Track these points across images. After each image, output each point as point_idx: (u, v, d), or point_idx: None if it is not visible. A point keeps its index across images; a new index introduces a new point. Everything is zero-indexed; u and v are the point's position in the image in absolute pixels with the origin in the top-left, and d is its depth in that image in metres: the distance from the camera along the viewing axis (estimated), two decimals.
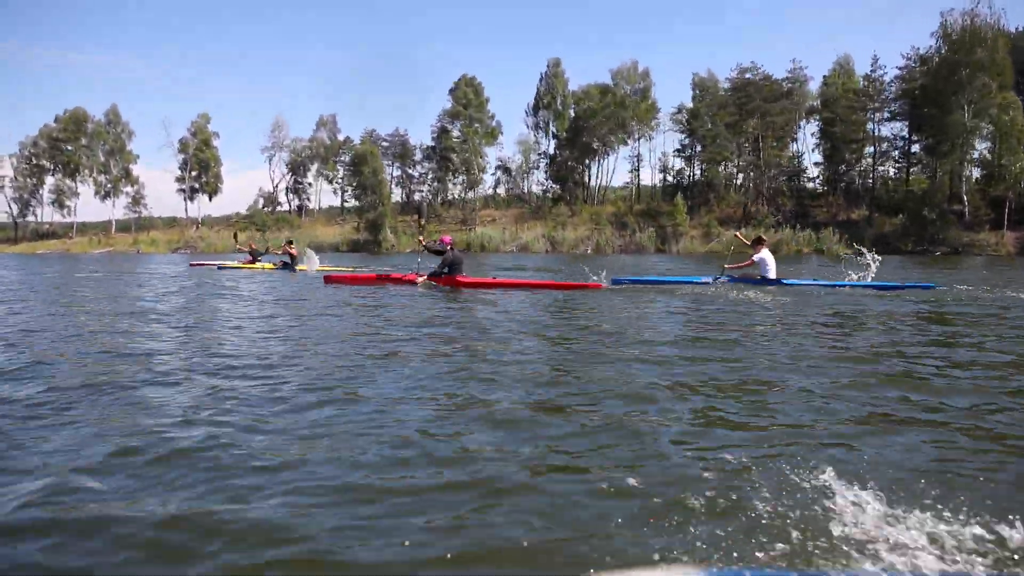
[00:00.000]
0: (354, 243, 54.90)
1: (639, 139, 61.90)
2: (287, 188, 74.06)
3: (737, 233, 13.58)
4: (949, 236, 41.54)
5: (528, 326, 7.12)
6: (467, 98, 63.30)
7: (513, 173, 64.84)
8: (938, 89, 44.45)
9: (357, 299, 10.31)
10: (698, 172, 55.96)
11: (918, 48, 49.91)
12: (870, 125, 52.58)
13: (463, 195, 65.51)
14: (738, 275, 12.08)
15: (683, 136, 57.25)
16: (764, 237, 12.75)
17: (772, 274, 11.74)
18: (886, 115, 51.18)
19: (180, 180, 72.75)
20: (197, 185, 72.38)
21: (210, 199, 74.41)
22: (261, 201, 71.97)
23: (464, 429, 3.33)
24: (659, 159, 64.03)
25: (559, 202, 59.79)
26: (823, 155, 53.86)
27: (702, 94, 58.53)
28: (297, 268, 19.47)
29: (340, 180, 73.77)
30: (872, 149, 52.15)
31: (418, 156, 70.77)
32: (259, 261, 21.40)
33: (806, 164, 54.74)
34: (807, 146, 54.48)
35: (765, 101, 52.78)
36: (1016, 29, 46.93)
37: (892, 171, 53.09)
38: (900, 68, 51.32)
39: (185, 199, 72.31)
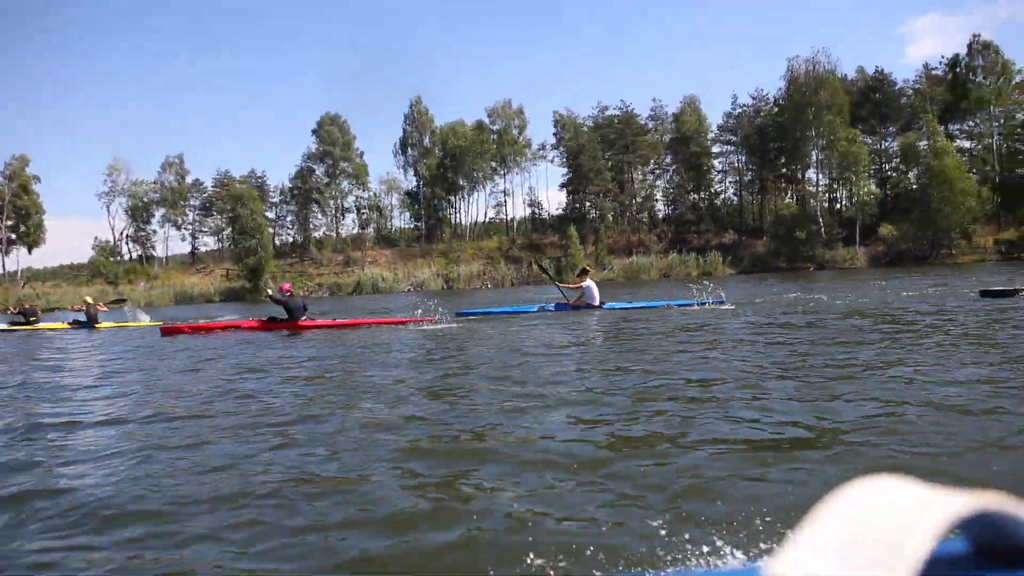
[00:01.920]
0: (230, 292, 50.68)
1: (505, 175, 63.45)
2: (127, 236, 66.98)
3: (558, 283, 14.95)
4: (815, 254, 46.30)
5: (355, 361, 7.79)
6: (332, 137, 61.38)
7: (383, 212, 63.50)
8: (789, 126, 49.93)
9: (209, 350, 10.14)
10: (583, 205, 57.77)
11: (762, 89, 55.91)
12: (729, 158, 57.62)
13: (332, 235, 63.16)
14: (572, 301, 13.54)
15: (565, 171, 59.22)
16: (588, 268, 14.39)
17: (596, 301, 13.26)
18: (741, 148, 55.99)
19: None
20: (14, 236, 63.54)
21: (30, 251, 65.55)
22: (96, 252, 64.18)
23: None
24: (527, 194, 65.58)
25: (423, 239, 59.51)
26: (689, 186, 57.93)
27: (563, 130, 61.47)
28: (96, 326, 17.75)
29: (190, 225, 68.14)
30: (736, 179, 56.96)
31: (275, 199, 67.31)
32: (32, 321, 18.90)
33: (675, 194, 58.17)
34: (672, 180, 57.77)
35: (635, 136, 56.24)
36: (849, 75, 53.63)
37: (750, 197, 58.18)
38: (749, 106, 56.79)
39: (4, 252, 63.02)
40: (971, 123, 51.08)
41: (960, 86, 50.22)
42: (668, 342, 7.96)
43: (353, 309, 21.03)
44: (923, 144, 45.72)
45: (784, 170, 55.15)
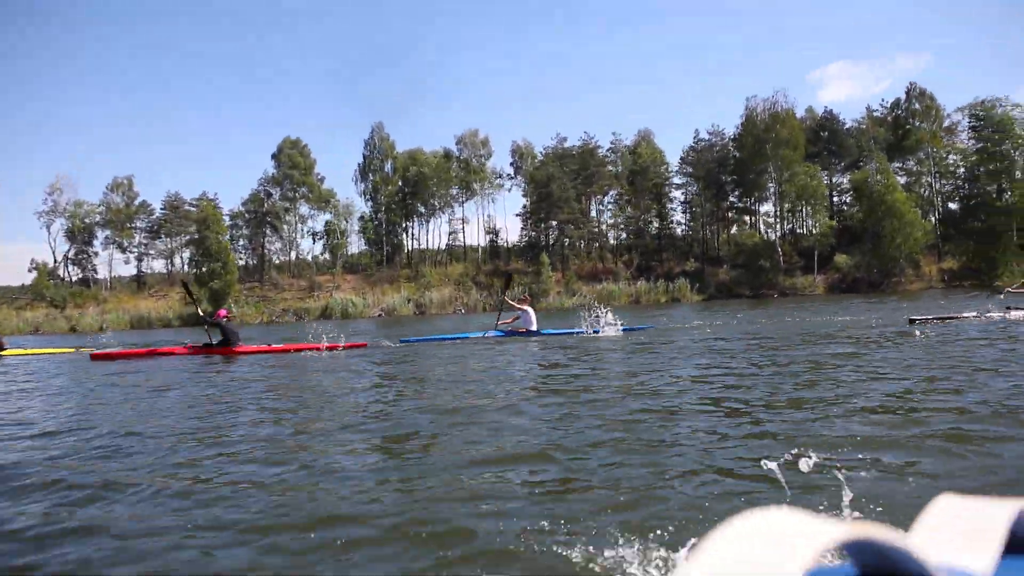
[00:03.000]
0: (191, 317, 48.74)
1: (464, 203, 64.03)
2: (66, 258, 63.67)
3: (505, 298, 15.29)
4: (777, 281, 48.38)
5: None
6: (293, 161, 60.54)
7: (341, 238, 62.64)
8: (747, 160, 52.43)
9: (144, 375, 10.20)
10: (548, 233, 58.55)
11: (718, 125, 58.54)
12: (687, 190, 59.73)
13: (290, 260, 61.97)
14: (508, 329, 14.24)
15: (524, 200, 60.07)
16: (527, 297, 15.29)
17: (534, 326, 13.96)
18: (700, 181, 58.15)
19: None
20: None
21: None
22: (35, 274, 60.65)
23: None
24: (486, 221, 65.99)
25: (383, 264, 59.17)
26: (649, 216, 59.66)
27: (520, 160, 62.69)
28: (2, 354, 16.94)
29: (135, 248, 65.33)
30: (694, 211, 58.99)
31: (227, 222, 65.47)
32: None
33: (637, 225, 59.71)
34: (632, 210, 59.38)
35: (596, 167, 57.75)
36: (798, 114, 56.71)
37: (707, 228, 60.34)
38: (706, 141, 59.19)
39: None
40: (910, 161, 54.65)
41: (900, 128, 54.00)
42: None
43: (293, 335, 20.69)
44: (876, 179, 48.59)
45: (740, 202, 57.61)
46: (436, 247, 65.33)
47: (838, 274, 49.14)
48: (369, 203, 62.34)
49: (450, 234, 66.15)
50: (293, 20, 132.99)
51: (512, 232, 75.81)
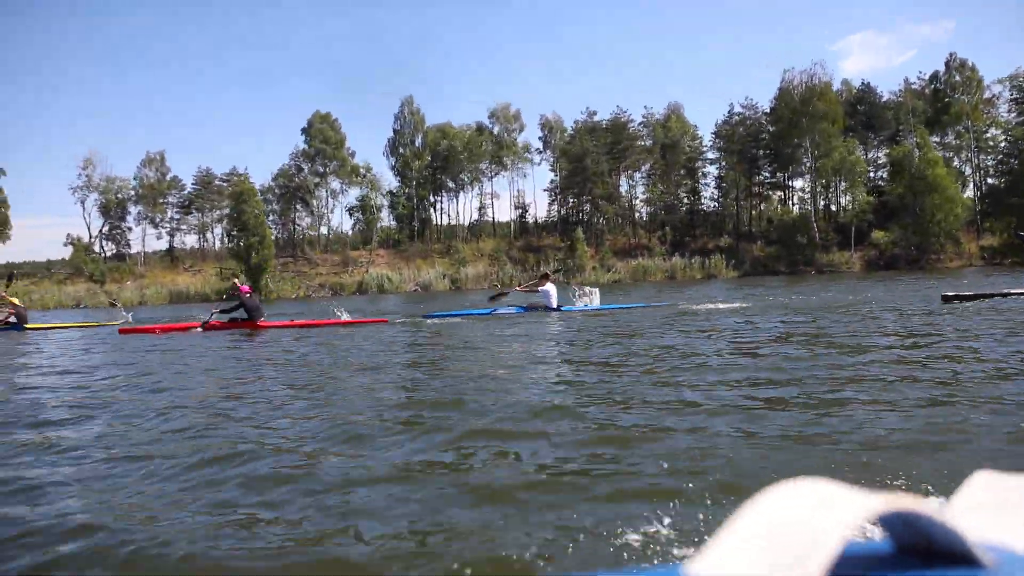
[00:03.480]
0: (226, 291, 49.21)
1: (493, 178, 63.92)
2: (101, 234, 64.31)
3: (520, 288, 15.67)
4: (814, 258, 48.07)
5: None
6: (324, 135, 60.50)
7: (376, 212, 62.69)
8: (783, 134, 51.83)
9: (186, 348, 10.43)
10: (582, 208, 58.37)
11: (751, 99, 57.77)
12: (721, 165, 59.19)
13: (322, 235, 62.30)
14: (524, 290, 14.92)
15: (557, 174, 59.83)
16: (549, 273, 15.45)
17: (554, 303, 14.24)
18: (734, 156, 57.55)
19: None
20: None
21: None
22: (71, 249, 61.30)
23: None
24: (516, 196, 65.77)
25: (415, 239, 59.33)
26: (683, 191, 59.30)
27: (550, 134, 62.34)
28: (26, 327, 16.84)
29: (167, 223, 65.81)
30: (725, 186, 58.49)
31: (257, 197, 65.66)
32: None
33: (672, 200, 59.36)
34: (667, 185, 58.89)
35: (629, 141, 57.33)
36: (850, 84, 55.79)
37: (740, 203, 59.89)
38: (739, 114, 58.43)
39: None
40: (949, 136, 53.79)
41: (940, 101, 53.05)
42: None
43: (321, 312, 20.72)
44: (916, 154, 47.90)
45: (773, 177, 57.11)
46: (465, 222, 65.40)
47: (875, 251, 48.72)
48: (398, 177, 62.39)
49: (479, 209, 66.24)
50: None
51: (539, 207, 75.27)
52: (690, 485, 2.74)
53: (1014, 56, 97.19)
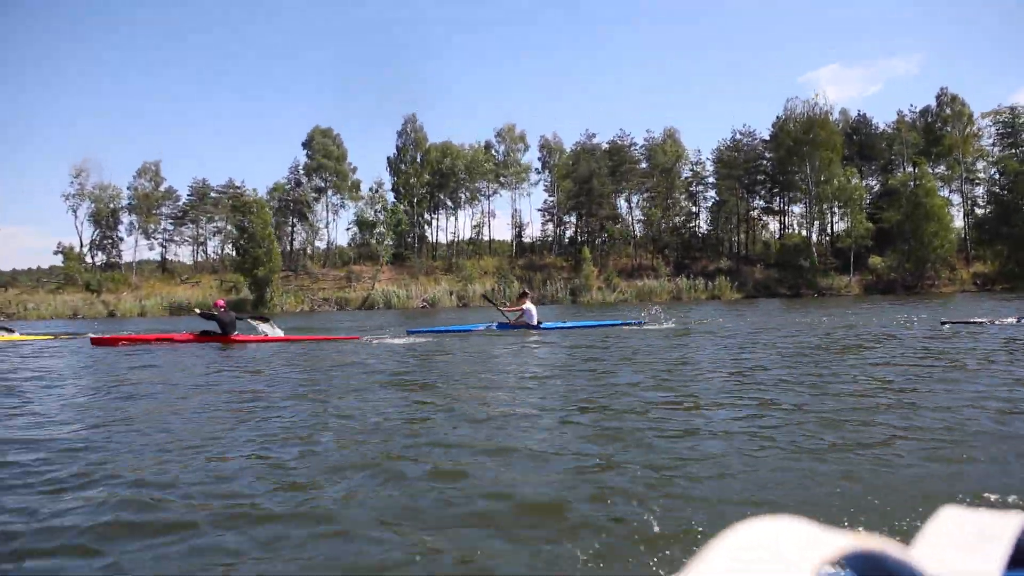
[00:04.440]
0: (230, 304, 48.56)
1: (490, 197, 64.38)
2: (92, 243, 63.06)
3: (501, 307, 15.86)
4: (815, 281, 49.22)
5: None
6: (325, 150, 60.49)
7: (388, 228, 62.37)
8: (783, 161, 53.31)
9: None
10: (588, 228, 58.96)
11: (748, 126, 59.32)
12: (714, 189, 60.40)
13: (321, 249, 61.98)
14: (512, 321, 14.83)
15: (552, 195, 60.47)
16: (528, 292, 15.99)
17: (535, 321, 14.68)
18: (736, 182, 58.81)
19: None
20: None
21: None
22: (61, 257, 59.90)
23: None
24: (514, 215, 66.24)
25: (410, 256, 59.37)
26: (681, 213, 60.31)
27: (549, 155, 63.13)
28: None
29: (160, 234, 64.85)
30: (725, 210, 59.65)
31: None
32: None
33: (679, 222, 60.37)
34: (666, 207, 59.89)
35: (631, 164, 58.32)
36: (852, 114, 57.47)
37: (736, 227, 61.14)
38: (737, 141, 59.83)
39: None
40: (940, 167, 55.71)
41: (932, 133, 55.05)
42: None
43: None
44: (915, 183, 49.51)
45: (771, 203, 58.57)
46: (460, 240, 65.50)
47: (872, 275, 50.07)
48: (397, 194, 62.38)
49: (474, 227, 66.50)
50: (319, 11, 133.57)
51: (535, 227, 75.61)
52: (662, 518, 2.74)
53: (982, 88, 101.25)
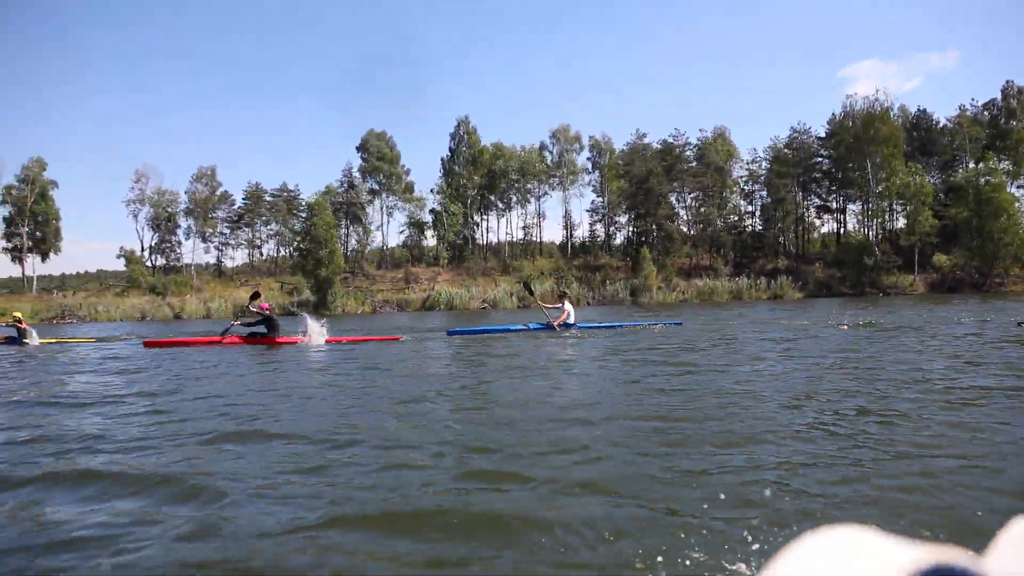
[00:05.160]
0: (288, 305, 49.26)
1: (541, 198, 64.52)
2: (152, 247, 64.49)
3: (541, 304, 16.06)
4: (878, 280, 48.49)
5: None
6: (380, 152, 61.06)
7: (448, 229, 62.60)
8: (843, 158, 52.63)
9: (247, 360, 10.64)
10: (647, 228, 58.70)
11: (804, 123, 58.63)
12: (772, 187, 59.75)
13: (377, 250, 62.57)
14: (551, 321, 14.92)
15: (597, 196, 60.41)
16: (567, 292, 16.27)
17: (573, 320, 14.98)
18: (792, 180, 58.17)
19: (8, 237, 60.19)
20: (31, 243, 60.42)
21: (43, 259, 62.34)
22: (127, 262, 61.25)
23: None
24: (564, 217, 66.23)
25: (463, 256, 59.64)
26: (737, 212, 59.85)
27: (599, 155, 63.00)
28: (25, 341, 17.14)
29: (217, 237, 66.06)
30: (782, 208, 59.05)
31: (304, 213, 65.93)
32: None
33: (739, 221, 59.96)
34: (722, 206, 59.45)
35: (686, 163, 57.99)
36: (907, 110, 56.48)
37: (798, 227, 60.46)
38: (793, 138, 59.13)
39: (21, 260, 59.78)
40: (1006, 161, 54.50)
41: (997, 127, 53.91)
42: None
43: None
44: (983, 178, 48.54)
45: (829, 200, 57.87)
46: (514, 240, 65.75)
47: (937, 274, 49.22)
48: (444, 196, 62.75)
49: (523, 228, 66.70)
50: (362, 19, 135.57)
51: (583, 227, 75.54)
52: (728, 525, 2.63)
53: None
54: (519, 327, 15.09)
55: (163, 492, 3.34)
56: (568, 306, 14.95)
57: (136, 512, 3.06)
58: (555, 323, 14.69)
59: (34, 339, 16.85)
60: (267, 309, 14.01)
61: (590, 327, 15.13)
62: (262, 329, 13.81)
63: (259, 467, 3.74)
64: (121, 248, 60.15)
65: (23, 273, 60.41)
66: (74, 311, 49.12)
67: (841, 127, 53.36)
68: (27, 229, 59.88)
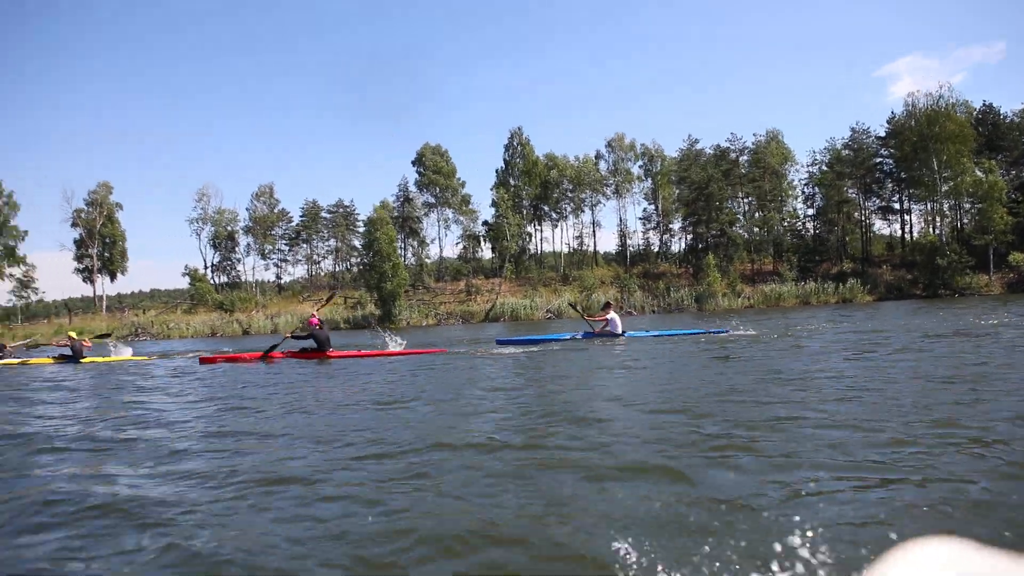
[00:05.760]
0: (356, 320, 49.85)
1: (594, 207, 64.38)
2: (214, 265, 65.96)
3: (587, 316, 16.14)
4: (952, 281, 47.34)
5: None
6: (436, 166, 61.62)
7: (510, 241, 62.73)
8: (908, 158, 51.63)
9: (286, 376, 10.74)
10: (706, 234, 58.22)
11: (861, 123, 57.75)
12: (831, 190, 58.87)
13: (436, 263, 63.09)
14: (596, 330, 15.36)
15: (648, 204, 60.15)
16: (611, 302, 17.03)
17: (619, 329, 15.25)
18: (853, 180, 57.24)
19: (79, 259, 62.13)
20: (100, 263, 62.21)
21: (112, 278, 64.16)
22: (190, 279, 62.67)
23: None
24: (619, 225, 66.03)
25: (519, 267, 59.76)
26: (814, 214, 58.98)
27: (650, 162, 62.75)
28: (83, 360, 17.75)
29: (276, 253, 67.35)
30: (843, 211, 58.11)
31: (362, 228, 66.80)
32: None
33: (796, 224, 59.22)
34: (781, 210, 58.69)
35: (747, 168, 57.48)
36: (970, 105, 55.17)
37: (863, 228, 59.45)
38: (852, 138, 58.17)
39: (92, 281, 61.65)
40: None
41: None
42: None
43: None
44: None
45: (892, 201, 56.86)
46: (572, 250, 65.83)
47: (1013, 273, 47.92)
48: (504, 207, 63.05)
49: (576, 238, 66.72)
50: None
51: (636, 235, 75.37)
52: (809, 534, 2.53)
53: None
54: (566, 336, 15.48)
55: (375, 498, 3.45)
56: (613, 315, 15.36)
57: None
58: (596, 331, 15.24)
59: (123, 350, 17.74)
60: (316, 324, 14.25)
61: (637, 335, 15.32)
62: (312, 344, 14.11)
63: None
64: (186, 266, 61.47)
65: (94, 293, 62.26)
66: (146, 328, 50.34)
67: (904, 126, 52.37)
68: (96, 251, 61.71)
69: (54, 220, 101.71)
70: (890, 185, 57.12)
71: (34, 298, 61.27)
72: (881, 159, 56.63)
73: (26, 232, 61.10)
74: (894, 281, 49.66)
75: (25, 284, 60.60)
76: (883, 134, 56.95)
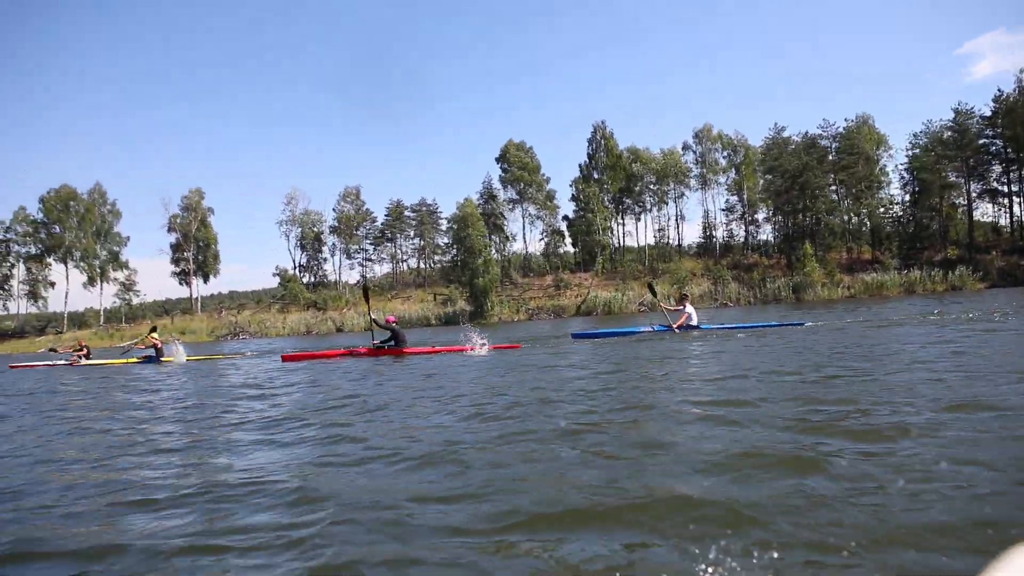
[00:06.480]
0: (447, 316, 50.33)
1: (678, 199, 63.48)
2: (302, 265, 67.68)
3: (663, 305, 16.13)
4: None
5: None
6: (520, 162, 61.72)
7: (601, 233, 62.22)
8: (1021, 137, 49.16)
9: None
10: (801, 223, 56.78)
11: (964, 103, 55.09)
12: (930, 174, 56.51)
13: (523, 258, 63.34)
14: (675, 324, 15.10)
15: (737, 194, 58.82)
16: (687, 294, 16.91)
17: (695, 321, 15.20)
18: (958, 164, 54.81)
19: (176, 262, 64.55)
20: (195, 266, 64.46)
21: (206, 280, 66.45)
22: (281, 279, 64.47)
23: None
24: (704, 216, 64.93)
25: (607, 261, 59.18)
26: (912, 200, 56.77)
27: (733, 153, 61.46)
28: (163, 359, 18.62)
29: (360, 252, 68.69)
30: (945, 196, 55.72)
31: (444, 226, 67.41)
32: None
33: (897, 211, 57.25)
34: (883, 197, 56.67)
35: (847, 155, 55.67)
36: None
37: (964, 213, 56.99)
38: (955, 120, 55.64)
39: (188, 283, 64.01)
40: None
41: None
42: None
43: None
44: None
45: (1001, 183, 54.26)
46: (660, 242, 65.07)
47: None
48: (592, 201, 62.69)
49: (659, 230, 65.86)
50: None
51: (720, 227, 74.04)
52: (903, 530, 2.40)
53: None
54: (644, 328, 15.35)
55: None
56: (689, 308, 15.29)
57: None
58: (675, 325, 15.02)
59: (180, 356, 18.33)
60: (393, 322, 14.53)
61: (712, 328, 15.25)
62: (391, 341, 14.35)
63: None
64: (276, 267, 63.24)
65: (190, 295, 64.55)
66: (245, 328, 51.91)
67: (1017, 103, 49.78)
68: (191, 254, 63.98)
69: (150, 227, 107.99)
70: (997, 168, 54.39)
71: (135, 300, 64.08)
72: (986, 139, 53.92)
73: (128, 238, 64.12)
74: (1007, 267, 47.31)
75: (128, 287, 63.45)
76: (988, 113, 54.31)
